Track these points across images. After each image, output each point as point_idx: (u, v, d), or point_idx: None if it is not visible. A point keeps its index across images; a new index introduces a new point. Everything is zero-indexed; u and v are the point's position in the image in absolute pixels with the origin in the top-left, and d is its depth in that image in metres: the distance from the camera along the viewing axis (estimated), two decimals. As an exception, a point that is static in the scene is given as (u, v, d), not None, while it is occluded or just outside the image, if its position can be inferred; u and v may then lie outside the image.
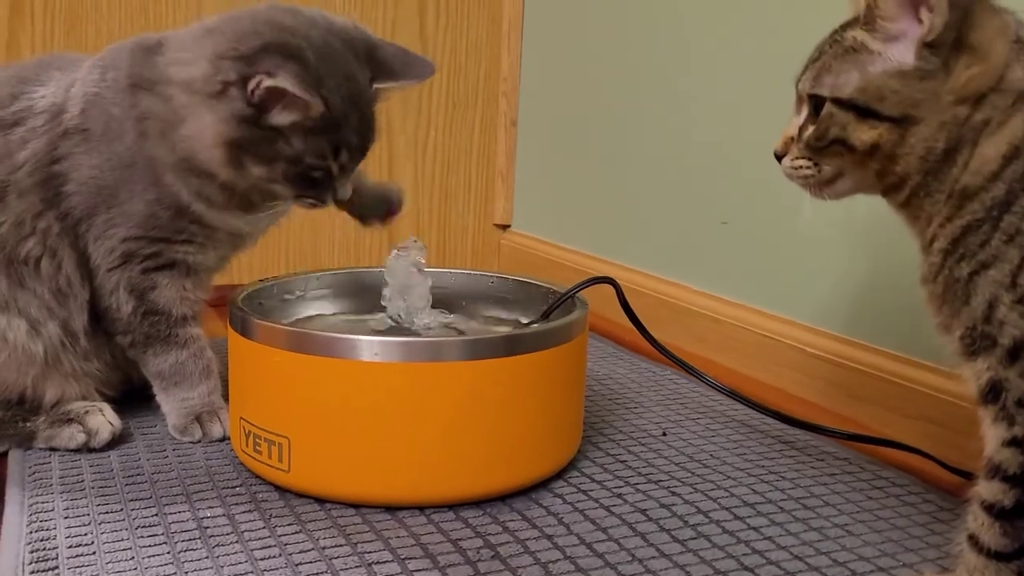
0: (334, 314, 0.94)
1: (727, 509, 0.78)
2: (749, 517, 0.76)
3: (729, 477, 0.84)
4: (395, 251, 0.89)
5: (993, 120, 0.58)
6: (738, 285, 1.18)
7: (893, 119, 0.59)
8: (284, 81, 0.73)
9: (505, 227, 1.74)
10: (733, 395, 0.94)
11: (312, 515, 0.74)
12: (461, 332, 0.90)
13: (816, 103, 0.63)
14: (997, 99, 0.58)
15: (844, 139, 0.61)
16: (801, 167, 0.64)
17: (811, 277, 1.07)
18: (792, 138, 0.65)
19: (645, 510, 0.77)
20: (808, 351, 1.05)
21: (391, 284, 0.90)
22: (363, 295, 0.96)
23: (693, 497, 0.80)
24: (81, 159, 0.82)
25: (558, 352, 0.80)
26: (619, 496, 0.80)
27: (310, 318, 0.92)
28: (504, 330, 0.91)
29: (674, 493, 0.81)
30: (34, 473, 0.79)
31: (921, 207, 0.61)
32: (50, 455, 0.83)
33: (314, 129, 0.77)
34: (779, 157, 0.66)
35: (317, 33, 0.79)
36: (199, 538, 0.69)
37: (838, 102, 0.61)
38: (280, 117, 0.76)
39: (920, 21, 0.58)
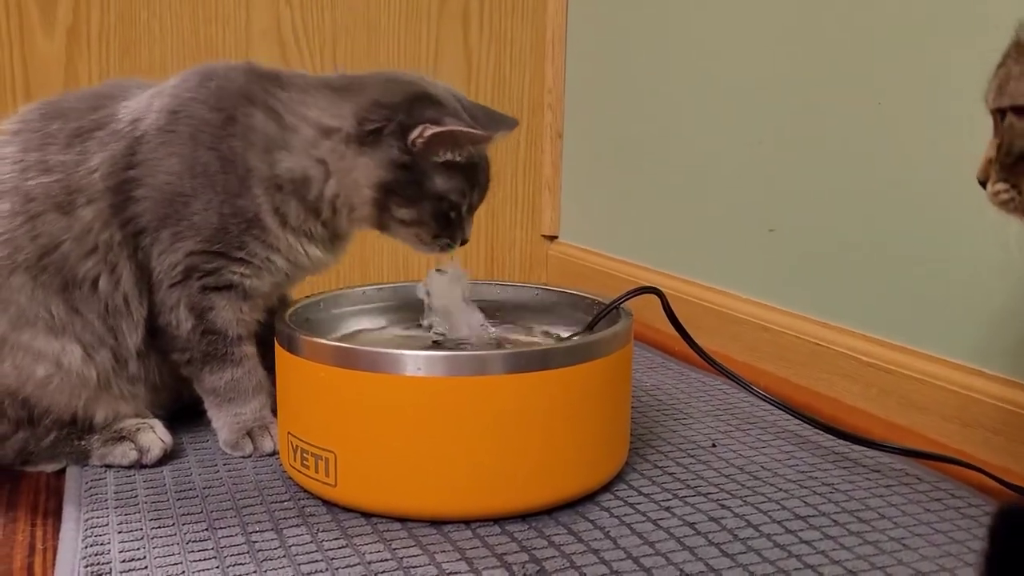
0: (381, 328, 0.95)
1: (778, 522, 0.76)
2: (801, 531, 0.75)
3: (780, 489, 0.83)
4: (435, 270, 0.90)
5: None
6: (788, 292, 1.16)
7: None
8: (452, 124, 0.82)
9: (553, 238, 1.74)
10: (781, 406, 0.92)
11: (358, 529, 0.74)
12: (506, 345, 0.90)
13: (1002, 116, 0.59)
14: None
15: None
16: (999, 192, 0.59)
17: (862, 283, 1.04)
18: (990, 160, 0.60)
19: (694, 523, 0.76)
20: (862, 359, 1.02)
21: (435, 301, 0.91)
22: (410, 309, 0.96)
23: (743, 510, 0.78)
24: (159, 164, 0.83)
25: (603, 363, 0.80)
26: (667, 509, 0.79)
27: (356, 333, 0.92)
28: (548, 343, 0.91)
29: (723, 506, 0.79)
30: (90, 489, 0.81)
31: None
32: (105, 471, 0.85)
33: (458, 168, 0.85)
34: (982, 183, 0.61)
35: (435, 88, 0.87)
36: (247, 553, 0.70)
37: (1017, 110, 0.57)
38: (447, 156, 0.84)
39: None
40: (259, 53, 1.47)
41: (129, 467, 0.85)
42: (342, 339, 0.89)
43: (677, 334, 0.94)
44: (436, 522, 0.75)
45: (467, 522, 0.75)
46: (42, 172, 0.84)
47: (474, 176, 0.87)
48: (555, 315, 0.97)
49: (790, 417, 0.96)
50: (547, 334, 0.95)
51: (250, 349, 0.89)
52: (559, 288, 0.99)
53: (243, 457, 0.88)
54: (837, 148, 1.07)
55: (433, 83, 0.88)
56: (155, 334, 0.87)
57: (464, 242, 0.90)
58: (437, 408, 0.74)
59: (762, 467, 0.88)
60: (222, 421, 0.89)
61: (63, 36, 1.37)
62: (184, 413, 0.94)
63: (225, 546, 0.71)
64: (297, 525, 0.74)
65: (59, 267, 0.83)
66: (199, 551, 0.70)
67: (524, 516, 0.76)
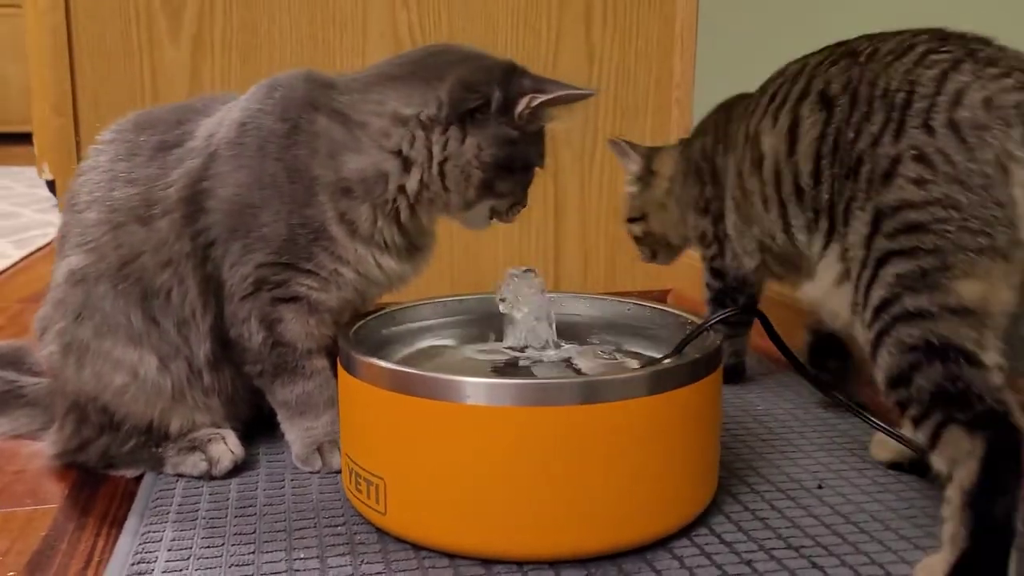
0: (452, 345, 0.90)
1: (876, 590, 0.66)
2: (905, 602, 0.64)
3: (889, 549, 0.72)
4: (510, 277, 0.84)
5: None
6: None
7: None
8: (555, 90, 0.82)
9: (679, 242, 1.64)
10: (903, 440, 0.81)
11: (404, 563, 0.70)
12: (580, 371, 0.83)
13: None
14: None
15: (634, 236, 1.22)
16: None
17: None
18: None
19: (776, 584, 0.67)
20: (1007, 394, 0.88)
21: (509, 315, 0.85)
22: (490, 322, 0.91)
23: (839, 572, 0.68)
24: (229, 176, 0.83)
25: (683, 394, 0.72)
26: (749, 563, 0.70)
27: (428, 349, 0.88)
28: (622, 369, 0.83)
29: (816, 565, 0.69)
30: (157, 500, 0.81)
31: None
32: (176, 482, 0.85)
33: (539, 132, 0.85)
34: None
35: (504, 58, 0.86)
36: (285, 582, 0.67)
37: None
38: (542, 123, 0.84)
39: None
40: (376, 55, 1.45)
41: (199, 477, 0.85)
42: (406, 359, 0.85)
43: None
44: (487, 561, 0.70)
45: (519, 563, 0.69)
46: (127, 183, 0.85)
47: (544, 138, 0.87)
48: (646, 334, 0.89)
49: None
50: (634, 355, 0.87)
51: (321, 363, 0.87)
52: (651, 304, 0.91)
53: (312, 472, 0.86)
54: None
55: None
56: (228, 346, 0.86)
57: (524, 205, 0.89)
58: (493, 440, 0.68)
59: (873, 517, 0.77)
60: (294, 435, 0.88)
61: (189, 44, 1.41)
62: (265, 424, 0.93)
63: (265, 572, 0.68)
64: (343, 554, 0.71)
65: (138, 277, 0.84)
66: (239, 575, 0.68)
67: (584, 560, 0.70)
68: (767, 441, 0.94)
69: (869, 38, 0.79)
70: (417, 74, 0.83)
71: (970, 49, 0.70)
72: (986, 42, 0.72)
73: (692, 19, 1.55)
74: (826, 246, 0.77)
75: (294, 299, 0.83)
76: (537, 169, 0.87)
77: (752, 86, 1.45)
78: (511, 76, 0.82)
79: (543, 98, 0.81)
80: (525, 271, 0.84)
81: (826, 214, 0.77)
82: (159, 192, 0.84)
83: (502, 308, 0.85)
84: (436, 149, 0.81)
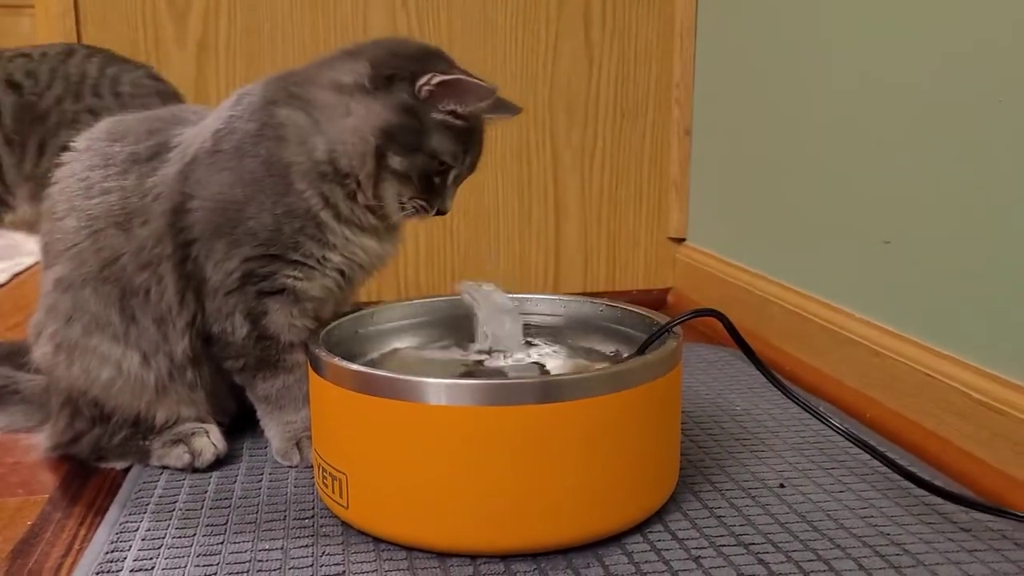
0: (424, 347, 0.92)
1: (816, 587, 0.67)
2: (843, 599, 0.65)
3: (838, 546, 0.73)
4: (469, 283, 0.87)
5: None
6: (900, 314, 1.03)
7: None
8: (459, 74, 0.84)
9: (680, 241, 1.65)
10: (858, 442, 0.82)
11: (362, 555, 0.72)
12: (546, 370, 0.85)
13: None
14: None
15: None
16: None
17: (982, 309, 0.90)
18: None
19: (719, 580, 0.68)
20: (975, 396, 0.89)
21: (479, 316, 0.88)
22: (464, 324, 0.94)
23: (783, 568, 0.70)
24: (211, 179, 0.85)
25: (638, 393, 0.74)
26: (696, 559, 0.71)
27: (400, 350, 0.91)
28: (579, 368, 0.85)
29: (762, 561, 0.71)
30: (139, 491, 0.85)
31: None
32: (160, 475, 0.88)
33: (455, 130, 0.85)
34: None
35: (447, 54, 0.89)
36: (247, 572, 0.70)
37: None
38: (450, 107, 0.84)
39: None
40: (378, 57, 1.48)
41: (182, 470, 0.89)
42: (378, 359, 0.87)
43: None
44: (442, 554, 0.72)
45: (473, 557, 0.72)
46: (102, 193, 0.88)
47: (468, 141, 0.87)
48: (617, 334, 0.91)
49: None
50: (602, 356, 0.89)
51: (301, 357, 0.89)
52: (623, 305, 0.92)
53: (290, 467, 0.89)
54: (961, 151, 0.93)
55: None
56: (209, 342, 0.89)
57: (441, 212, 0.89)
58: (451, 438, 0.71)
59: (828, 516, 0.78)
60: (274, 430, 0.91)
61: (194, 48, 1.45)
62: (251, 420, 0.96)
63: (230, 561, 0.71)
64: (306, 545, 0.74)
65: (118, 277, 0.87)
66: (204, 564, 0.71)
67: (535, 555, 0.72)
68: (740, 440, 0.96)
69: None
70: (365, 49, 0.88)
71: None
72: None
73: (691, 19, 1.56)
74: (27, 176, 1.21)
75: (280, 291, 0.86)
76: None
77: (753, 84, 1.47)
78: (430, 57, 0.86)
79: (442, 77, 0.82)
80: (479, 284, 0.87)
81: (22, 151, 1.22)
82: (137, 203, 0.87)
83: (472, 311, 0.87)
84: (356, 113, 0.84)
